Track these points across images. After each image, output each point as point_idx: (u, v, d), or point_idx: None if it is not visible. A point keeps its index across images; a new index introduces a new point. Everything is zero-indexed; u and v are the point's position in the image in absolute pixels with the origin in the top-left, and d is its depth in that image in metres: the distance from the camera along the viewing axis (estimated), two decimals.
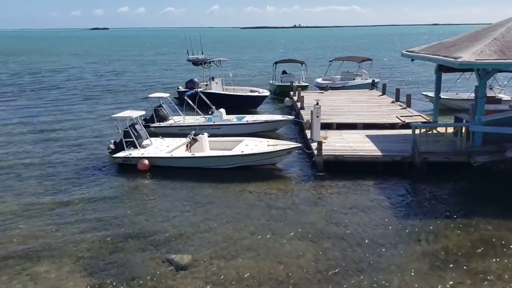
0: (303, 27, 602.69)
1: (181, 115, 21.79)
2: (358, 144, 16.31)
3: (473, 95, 22.13)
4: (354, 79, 32.68)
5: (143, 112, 18.04)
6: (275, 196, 13.42)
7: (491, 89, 22.50)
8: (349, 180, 14.28)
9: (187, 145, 16.70)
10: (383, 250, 10.11)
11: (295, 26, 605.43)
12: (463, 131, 15.11)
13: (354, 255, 9.94)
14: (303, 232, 11.09)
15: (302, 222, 11.61)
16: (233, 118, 21.08)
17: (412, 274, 9.16)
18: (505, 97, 22.89)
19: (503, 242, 10.32)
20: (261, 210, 12.48)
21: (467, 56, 14.18)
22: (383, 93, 27.08)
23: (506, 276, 8.95)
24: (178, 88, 30.88)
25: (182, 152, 16.41)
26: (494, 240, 10.44)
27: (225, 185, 14.37)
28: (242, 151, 15.69)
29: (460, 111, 19.10)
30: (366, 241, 10.55)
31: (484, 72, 14.52)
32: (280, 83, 32.43)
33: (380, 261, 9.64)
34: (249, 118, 21.27)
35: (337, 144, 16.37)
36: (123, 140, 16.69)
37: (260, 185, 14.26)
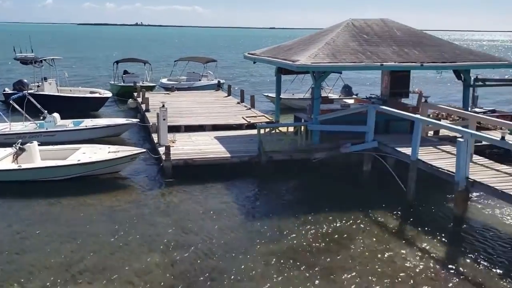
0: (146, 25, 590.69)
1: (6, 122, 19.00)
2: (207, 146, 16.10)
3: (308, 94, 23.76)
4: (200, 80, 32.68)
5: None
6: (119, 208, 12.40)
7: (322, 89, 24.36)
8: (199, 184, 13.95)
9: (13, 156, 14.54)
10: (235, 255, 9.95)
11: (137, 24, 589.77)
12: (303, 130, 15.94)
13: (206, 264, 9.58)
14: (152, 245, 10.37)
15: (151, 234, 10.88)
16: (69, 123, 19.11)
17: (262, 277, 9.13)
18: (334, 96, 24.98)
19: (344, 235, 10.98)
20: (104, 224, 11.39)
21: (303, 59, 14.97)
22: (229, 94, 27.50)
23: (349, 270, 9.45)
24: (4, 91, 27.07)
25: (7, 164, 14.22)
26: (336, 233, 11.04)
27: (60, 199, 12.80)
28: (79, 160, 14.21)
29: (298, 111, 20.25)
30: (218, 247, 10.29)
31: (319, 74, 15.50)
32: (123, 84, 30.79)
33: (232, 268, 9.43)
34: (88, 122, 19.51)
35: (185, 147, 15.93)
36: None
37: (101, 197, 13.06)
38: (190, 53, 57.69)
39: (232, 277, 9.12)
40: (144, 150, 15.24)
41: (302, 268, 9.44)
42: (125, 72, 32.44)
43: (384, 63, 15.18)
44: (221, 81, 31.83)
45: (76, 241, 10.46)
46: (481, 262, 9.73)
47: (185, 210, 12.28)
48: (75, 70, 45.17)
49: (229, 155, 15.09)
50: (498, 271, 9.39)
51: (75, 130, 18.62)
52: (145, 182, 14.42)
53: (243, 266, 9.50)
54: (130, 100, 26.19)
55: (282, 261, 9.72)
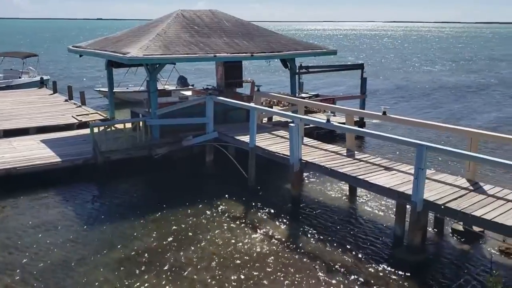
0: None
1: None
2: (33, 152, 14.39)
3: (143, 87, 23.01)
4: (20, 77, 29.30)
5: None
6: None
7: (157, 81, 23.82)
8: (28, 196, 12.40)
9: None
10: (77, 270, 9.04)
11: None
12: (141, 125, 15.31)
13: (43, 285, 8.53)
14: None
15: None
16: None
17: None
18: (170, 88, 24.66)
19: (192, 229, 10.85)
20: None
21: (135, 51, 14.30)
22: (55, 92, 25.10)
23: (202, 264, 9.37)
24: None
25: None
26: (184, 229, 10.84)
27: None
28: None
29: (135, 105, 19.46)
30: (55, 264, 9.24)
31: (153, 67, 14.99)
32: None
33: (74, 284, 8.58)
34: None
35: (6, 155, 14.01)
36: None
37: None
38: (10, 48, 51.22)
39: None
40: None
41: (153, 270, 9.03)
42: None
43: (217, 54, 15.36)
44: (45, 77, 29.03)
45: None
46: (319, 236, 10.55)
47: (11, 227, 10.76)
48: None
49: (59, 160, 13.72)
50: (334, 241, 10.30)
51: None
52: None
53: (87, 280, 8.69)
54: None
55: (131, 266, 9.17)
